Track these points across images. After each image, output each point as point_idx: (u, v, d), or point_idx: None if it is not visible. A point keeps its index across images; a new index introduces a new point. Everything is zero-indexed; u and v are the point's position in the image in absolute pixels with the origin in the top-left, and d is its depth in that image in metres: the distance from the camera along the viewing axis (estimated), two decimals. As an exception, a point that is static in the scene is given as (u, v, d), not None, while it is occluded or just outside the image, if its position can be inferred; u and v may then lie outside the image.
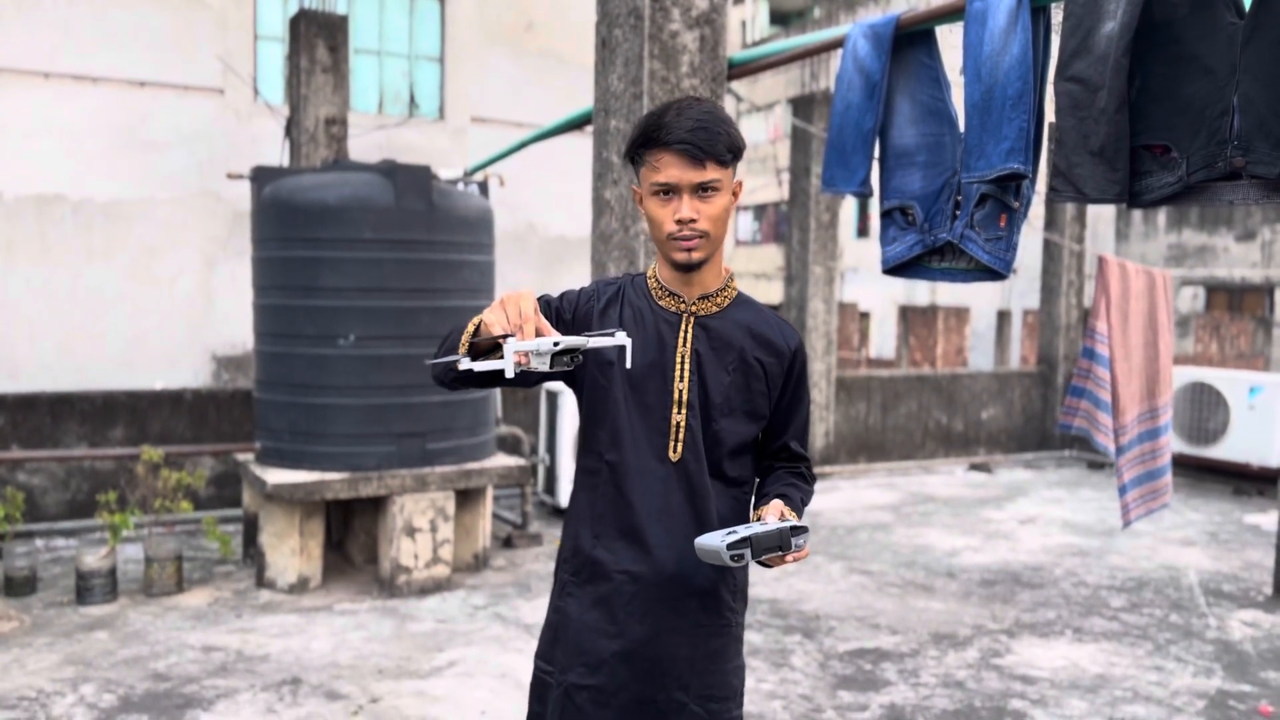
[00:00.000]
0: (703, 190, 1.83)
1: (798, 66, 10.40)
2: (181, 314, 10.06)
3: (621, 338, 1.72)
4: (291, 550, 5.75)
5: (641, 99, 3.34)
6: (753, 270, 26.31)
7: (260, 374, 6.13)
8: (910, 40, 3.19)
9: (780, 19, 30.34)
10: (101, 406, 7.20)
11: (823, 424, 10.02)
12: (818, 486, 9.53)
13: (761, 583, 6.16)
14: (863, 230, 24.60)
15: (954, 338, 15.98)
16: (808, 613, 5.61)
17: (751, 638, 5.15)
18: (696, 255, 1.87)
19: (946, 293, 21.49)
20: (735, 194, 1.90)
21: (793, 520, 1.82)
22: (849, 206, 23.46)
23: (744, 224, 28.35)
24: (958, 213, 3.04)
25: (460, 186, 6.84)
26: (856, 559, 6.81)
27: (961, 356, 15.98)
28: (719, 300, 1.97)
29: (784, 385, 2.01)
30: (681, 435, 1.92)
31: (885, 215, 3.24)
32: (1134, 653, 5.06)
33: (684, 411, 1.92)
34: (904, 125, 3.19)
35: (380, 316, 5.74)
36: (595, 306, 1.98)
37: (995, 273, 3.00)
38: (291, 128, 7.65)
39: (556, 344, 1.61)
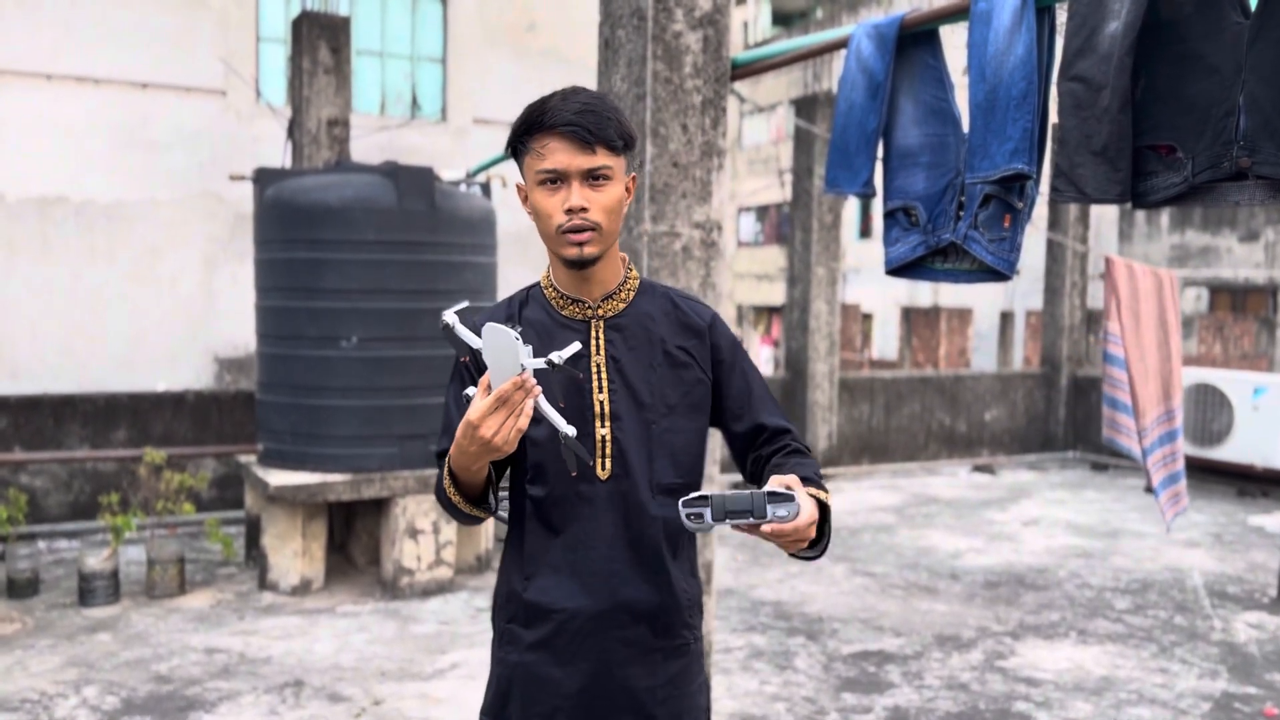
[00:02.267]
0: (593, 178, 1.67)
1: (800, 68, 10.40)
2: (183, 315, 10.07)
3: (575, 346, 1.64)
4: (294, 552, 5.74)
5: (644, 100, 3.33)
6: (755, 271, 26.30)
7: (262, 375, 6.12)
8: (914, 40, 3.18)
9: (782, 20, 30.36)
10: (104, 408, 7.20)
11: (826, 425, 10.01)
12: (820, 488, 9.52)
13: (765, 585, 6.15)
14: (865, 231, 24.59)
15: (957, 339, 15.97)
16: (811, 615, 5.60)
17: (755, 640, 5.14)
18: (589, 250, 1.69)
19: (949, 294, 21.48)
20: (629, 189, 1.75)
21: (779, 488, 1.55)
22: (852, 207, 23.46)
23: (746, 225, 28.34)
24: (961, 213, 3.03)
25: (462, 188, 6.82)
26: (860, 561, 6.80)
27: (964, 357, 15.97)
28: (623, 295, 1.81)
29: (715, 363, 1.86)
30: (609, 451, 1.76)
31: (888, 216, 3.23)
32: (1139, 655, 5.05)
33: (608, 424, 1.77)
34: (907, 125, 3.17)
35: (383, 318, 5.74)
36: None
37: (999, 273, 2.99)
38: (294, 129, 7.65)
39: (552, 363, 1.56)
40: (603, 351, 1.79)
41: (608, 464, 1.77)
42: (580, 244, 1.69)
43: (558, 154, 1.66)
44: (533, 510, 1.79)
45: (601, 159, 1.67)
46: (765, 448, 1.87)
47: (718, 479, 3.41)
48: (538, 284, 1.86)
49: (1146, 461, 4.94)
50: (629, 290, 1.82)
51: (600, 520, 1.76)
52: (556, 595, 1.77)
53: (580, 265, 1.72)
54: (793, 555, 1.65)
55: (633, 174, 1.79)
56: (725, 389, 1.87)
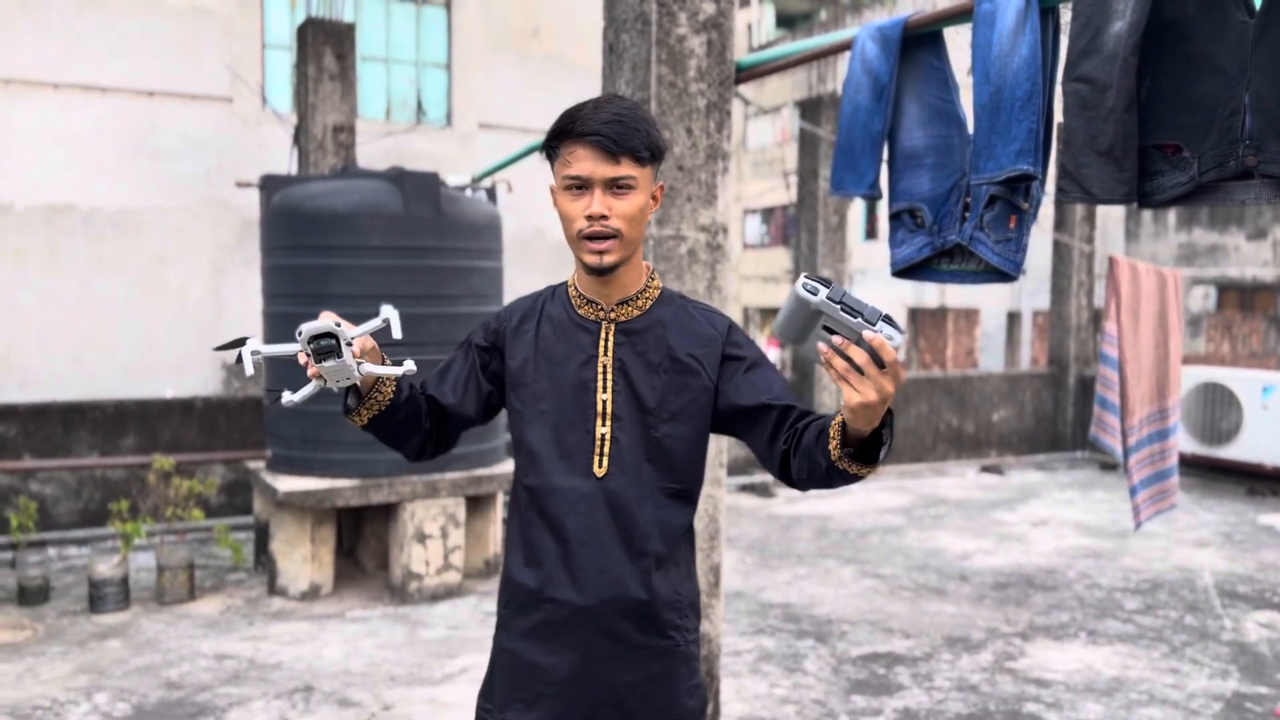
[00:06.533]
0: (616, 186, 1.72)
1: (805, 70, 10.41)
2: (191, 322, 10.09)
3: (387, 310, 1.70)
4: (303, 557, 5.75)
5: (649, 104, 3.33)
6: (760, 273, 26.28)
7: (270, 382, 6.14)
8: (918, 42, 3.18)
9: (786, 22, 30.35)
10: (112, 415, 7.22)
11: (833, 427, 9.99)
12: (826, 490, 9.52)
13: (773, 587, 6.14)
14: (871, 233, 24.55)
15: (964, 339, 15.93)
16: (820, 617, 5.59)
17: (764, 642, 5.13)
18: (608, 259, 1.74)
19: (956, 294, 21.43)
20: (655, 198, 1.81)
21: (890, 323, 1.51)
22: (857, 209, 23.42)
23: (752, 227, 28.32)
24: (967, 214, 3.02)
25: (468, 193, 6.84)
26: (868, 562, 6.79)
27: (971, 358, 15.94)
28: (640, 303, 1.85)
29: (724, 365, 1.85)
30: (607, 449, 1.80)
31: (894, 217, 3.23)
32: (1149, 655, 5.03)
33: (609, 424, 1.81)
34: (912, 127, 3.17)
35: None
36: (508, 326, 1.90)
37: (1005, 274, 2.98)
38: (299, 135, 7.67)
39: (300, 334, 1.71)
40: (610, 354, 1.84)
41: (604, 463, 1.81)
42: (600, 252, 1.74)
43: (583, 162, 1.72)
44: (529, 500, 1.85)
45: (625, 169, 1.72)
46: (804, 422, 1.77)
47: (725, 480, 3.41)
48: (565, 283, 1.93)
49: (1129, 461, 4.95)
50: (647, 299, 1.87)
51: (593, 516, 1.80)
52: (547, 585, 1.81)
53: (599, 272, 1.78)
54: (842, 470, 1.62)
55: (660, 184, 1.84)
56: (744, 383, 1.83)
